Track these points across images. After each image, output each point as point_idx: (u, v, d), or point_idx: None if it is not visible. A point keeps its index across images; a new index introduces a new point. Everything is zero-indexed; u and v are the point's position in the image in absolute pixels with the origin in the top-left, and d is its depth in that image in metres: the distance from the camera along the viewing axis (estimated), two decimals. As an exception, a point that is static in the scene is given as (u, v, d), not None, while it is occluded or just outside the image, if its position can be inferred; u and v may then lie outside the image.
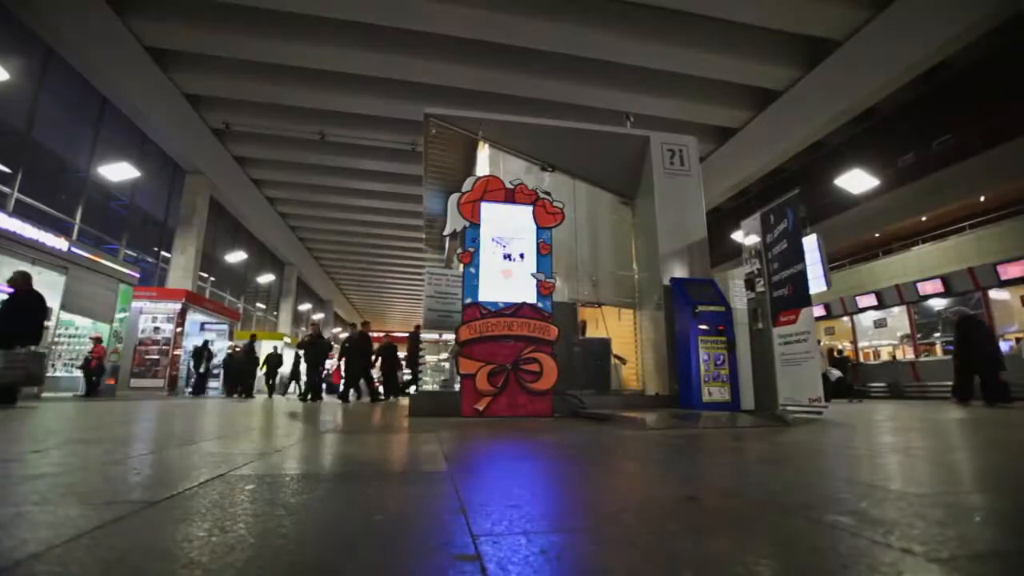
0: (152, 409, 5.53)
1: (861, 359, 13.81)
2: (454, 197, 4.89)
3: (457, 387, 4.69)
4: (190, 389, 13.04)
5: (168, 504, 1.10)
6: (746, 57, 10.44)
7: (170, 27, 10.01)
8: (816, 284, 4.35)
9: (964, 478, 1.64)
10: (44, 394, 8.53)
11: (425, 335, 7.60)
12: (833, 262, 13.53)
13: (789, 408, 4.09)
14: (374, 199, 17.41)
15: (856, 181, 11.79)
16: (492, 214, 4.89)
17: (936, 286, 11.80)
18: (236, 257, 17.52)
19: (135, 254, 12.80)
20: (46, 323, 6.67)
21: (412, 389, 8.24)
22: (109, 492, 1.24)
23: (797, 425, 3.43)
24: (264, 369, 13.03)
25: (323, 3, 9.41)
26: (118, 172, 10.76)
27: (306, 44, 10.21)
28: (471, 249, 4.77)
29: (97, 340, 9.96)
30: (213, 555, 0.76)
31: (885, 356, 13.38)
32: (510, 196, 4.98)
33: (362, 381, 9.38)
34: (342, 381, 9.54)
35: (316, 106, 12.44)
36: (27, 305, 5.70)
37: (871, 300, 13.44)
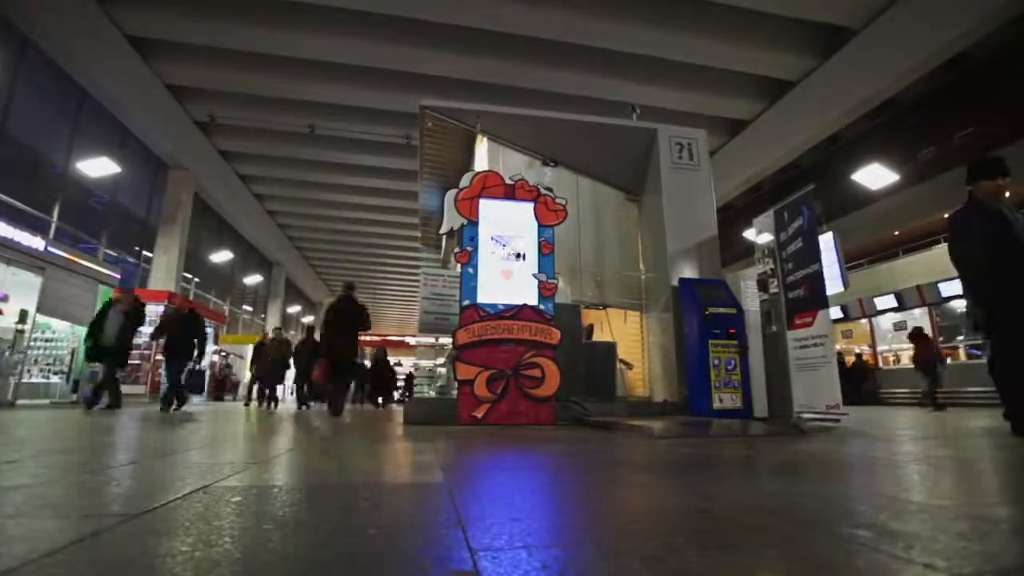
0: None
1: (880, 363, 13.81)
2: (451, 193, 4.90)
3: (455, 393, 4.69)
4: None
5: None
6: (758, 46, 10.44)
7: (152, 14, 10.02)
8: (833, 285, 4.35)
9: (989, 489, 1.63)
10: (20, 401, 8.52)
11: (422, 339, 7.63)
12: (850, 261, 13.51)
13: (804, 415, 4.09)
14: (367, 195, 17.41)
15: (874, 176, 11.80)
16: (491, 211, 4.89)
17: (959, 287, 11.79)
18: (222, 257, 17.51)
19: (115, 254, 12.79)
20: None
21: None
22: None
23: (813, 433, 3.42)
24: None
25: (313, -11, 9.43)
26: (97, 167, 10.75)
27: (295, 32, 10.21)
28: (469, 248, 4.78)
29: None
30: (198, 571, 0.76)
31: (906, 360, 13.37)
32: (510, 192, 4.98)
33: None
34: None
35: (306, 98, 12.44)
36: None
37: (891, 301, 13.44)
